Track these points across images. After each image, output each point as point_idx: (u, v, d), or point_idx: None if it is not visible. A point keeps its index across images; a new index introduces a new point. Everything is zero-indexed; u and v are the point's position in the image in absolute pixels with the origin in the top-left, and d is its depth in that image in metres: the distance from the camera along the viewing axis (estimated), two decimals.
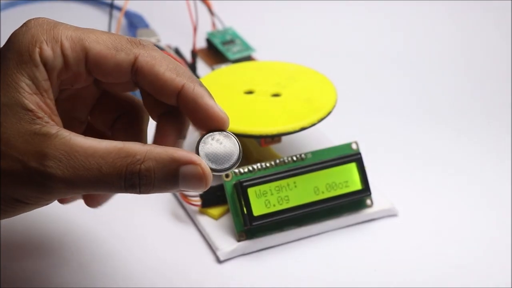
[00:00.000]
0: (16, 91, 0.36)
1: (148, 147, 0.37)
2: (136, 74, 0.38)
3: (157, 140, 0.40)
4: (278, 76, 0.53)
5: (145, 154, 0.36)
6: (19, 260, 0.46)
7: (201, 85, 0.39)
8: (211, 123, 0.38)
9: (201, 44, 0.66)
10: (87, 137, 0.36)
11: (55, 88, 0.38)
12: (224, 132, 0.38)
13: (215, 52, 0.65)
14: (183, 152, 0.37)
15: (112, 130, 0.42)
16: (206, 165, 0.37)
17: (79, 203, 0.51)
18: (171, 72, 0.38)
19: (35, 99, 0.37)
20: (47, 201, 0.38)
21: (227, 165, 0.38)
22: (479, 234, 0.50)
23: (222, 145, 0.38)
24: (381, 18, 0.77)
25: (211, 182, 0.37)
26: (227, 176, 0.47)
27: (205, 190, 0.37)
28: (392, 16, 0.77)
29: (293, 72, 0.54)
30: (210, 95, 0.39)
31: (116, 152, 0.36)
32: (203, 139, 0.38)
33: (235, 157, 0.38)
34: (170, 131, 0.40)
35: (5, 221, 0.49)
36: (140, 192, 0.37)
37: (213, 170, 0.37)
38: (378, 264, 0.47)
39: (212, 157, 0.38)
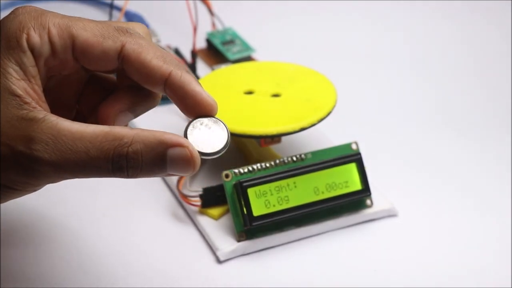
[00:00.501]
0: (4, 76, 0.36)
1: (135, 130, 0.37)
2: (123, 61, 0.38)
3: (104, 104, 0.40)
4: (278, 76, 0.53)
5: (132, 137, 0.36)
6: (18, 260, 0.46)
7: (189, 72, 0.39)
8: (199, 109, 0.38)
9: (201, 44, 0.66)
10: (74, 122, 0.37)
11: (42, 75, 0.38)
12: (213, 118, 0.38)
13: (215, 52, 0.65)
14: (171, 135, 0.37)
15: None
16: (194, 148, 0.37)
17: (79, 204, 0.51)
18: (158, 60, 0.38)
19: (22, 84, 0.37)
20: (34, 187, 0.38)
21: (216, 150, 0.38)
22: (479, 234, 0.50)
23: (210, 129, 0.38)
24: (381, 18, 0.77)
25: (199, 167, 0.37)
26: (227, 176, 0.47)
27: (193, 173, 0.37)
28: (392, 16, 0.77)
29: (293, 72, 0.54)
30: (198, 81, 0.39)
31: (103, 136, 0.36)
32: (191, 123, 0.38)
33: (223, 141, 0.38)
34: (124, 99, 0.40)
35: (5, 221, 0.49)
36: (128, 176, 0.37)
37: (201, 154, 0.37)
38: (378, 264, 0.47)
39: (201, 141, 0.38)
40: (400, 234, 0.50)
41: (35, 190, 0.38)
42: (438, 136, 0.60)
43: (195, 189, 0.49)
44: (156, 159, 0.37)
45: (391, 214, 0.51)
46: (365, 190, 0.49)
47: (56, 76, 0.40)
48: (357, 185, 0.49)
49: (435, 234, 0.50)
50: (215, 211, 0.49)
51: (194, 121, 0.38)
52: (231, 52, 0.64)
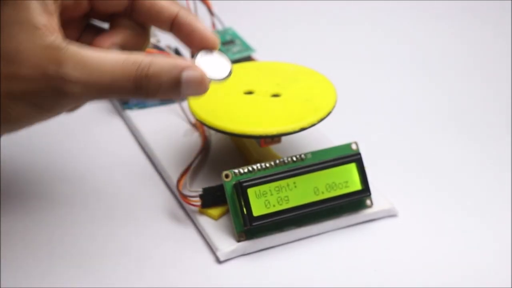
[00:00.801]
0: (27, 11, 0.40)
1: (150, 56, 0.41)
2: (134, 1, 0.44)
3: (98, 38, 0.44)
4: (278, 76, 0.53)
5: (150, 61, 0.41)
6: (19, 260, 0.46)
7: (192, 13, 0.44)
8: (205, 43, 0.44)
9: None
10: (94, 48, 0.41)
11: (58, 9, 0.42)
12: (216, 51, 0.44)
13: None
14: (183, 59, 0.42)
15: None
16: (203, 71, 0.42)
17: (79, 204, 0.51)
18: (167, 1, 0.44)
19: (44, 18, 0.40)
20: (61, 108, 0.41)
21: (222, 75, 0.43)
22: (479, 234, 0.50)
23: (216, 59, 0.43)
24: (381, 18, 0.77)
25: (208, 89, 0.42)
26: (227, 176, 0.47)
27: (203, 93, 0.42)
28: (392, 16, 0.78)
29: (293, 73, 0.54)
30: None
31: (124, 59, 0.40)
32: (199, 53, 0.43)
33: (228, 69, 0.43)
34: (117, 36, 0.45)
35: (5, 221, 0.49)
36: (147, 95, 0.41)
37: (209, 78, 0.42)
38: (378, 264, 0.47)
39: (208, 67, 0.42)
40: (400, 234, 0.50)
41: (58, 113, 0.41)
42: (438, 136, 0.60)
43: (195, 189, 0.49)
44: (172, 80, 0.41)
45: (391, 214, 0.51)
46: (365, 190, 0.49)
47: (63, 16, 0.43)
48: (357, 185, 0.49)
49: (435, 234, 0.50)
50: (215, 211, 0.49)
51: (201, 52, 0.44)
52: (231, 52, 0.64)
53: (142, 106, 0.59)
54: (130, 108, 0.59)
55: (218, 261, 0.47)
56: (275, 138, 0.50)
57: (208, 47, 0.44)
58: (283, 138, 0.52)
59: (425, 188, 0.54)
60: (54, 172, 0.54)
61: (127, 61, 0.40)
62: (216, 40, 0.44)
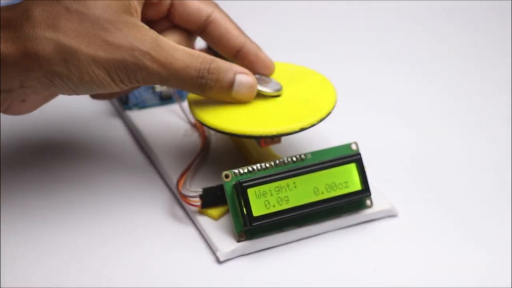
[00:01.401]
0: None
1: (211, 56, 0.47)
2: (208, 25, 0.50)
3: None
4: (278, 76, 0.53)
5: (212, 58, 0.47)
6: (19, 260, 0.46)
7: (254, 42, 0.51)
8: (265, 70, 0.51)
9: (201, 44, 0.66)
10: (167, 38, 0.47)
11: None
12: (269, 77, 0.51)
13: (215, 53, 0.65)
14: (239, 66, 0.48)
15: None
16: (255, 78, 0.49)
17: (79, 204, 0.51)
18: (237, 30, 0.50)
19: (135, 4, 0.47)
20: (132, 81, 0.46)
21: (271, 89, 0.50)
22: (480, 234, 0.50)
23: (268, 81, 0.50)
24: (381, 18, 0.77)
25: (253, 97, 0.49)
26: (226, 176, 0.47)
27: (249, 100, 0.49)
28: (392, 16, 0.78)
29: (293, 72, 0.54)
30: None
31: (192, 52, 0.46)
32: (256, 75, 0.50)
33: (278, 87, 0.50)
34: (175, 35, 0.51)
35: (5, 221, 0.49)
36: (204, 88, 0.47)
37: (260, 91, 0.50)
38: (378, 264, 0.47)
39: (261, 85, 0.50)
40: (400, 234, 0.50)
41: (126, 87, 0.46)
42: (439, 137, 0.60)
43: (194, 189, 0.49)
44: (228, 79, 0.47)
45: (391, 214, 0.51)
46: (365, 190, 0.49)
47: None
48: (357, 186, 0.49)
49: (435, 234, 0.50)
50: (215, 211, 0.49)
51: (257, 75, 0.51)
52: None
53: (142, 106, 0.59)
54: (130, 108, 0.59)
55: (218, 261, 0.47)
56: (275, 138, 0.50)
57: (264, 73, 0.51)
58: (283, 138, 0.52)
59: (425, 188, 0.54)
60: (54, 172, 0.54)
61: (194, 53, 0.46)
62: (273, 67, 0.51)
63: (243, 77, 0.48)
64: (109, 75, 0.45)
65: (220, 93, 0.48)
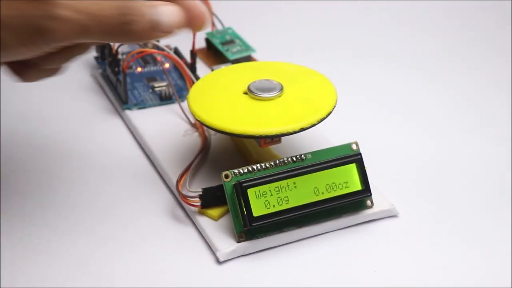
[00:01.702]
0: None
1: None
2: None
3: None
4: (278, 76, 0.53)
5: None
6: (18, 260, 0.46)
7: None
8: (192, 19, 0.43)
9: (201, 44, 0.66)
10: None
11: None
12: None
13: (215, 52, 0.65)
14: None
15: None
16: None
17: (79, 204, 0.51)
18: None
19: None
20: (46, 37, 0.40)
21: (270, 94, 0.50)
22: (480, 235, 0.50)
23: (269, 81, 0.50)
24: (381, 18, 0.77)
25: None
26: (226, 176, 0.47)
27: (178, 28, 0.42)
28: (393, 16, 0.78)
29: (293, 72, 0.54)
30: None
31: None
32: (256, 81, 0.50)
33: (279, 86, 0.50)
34: None
35: (5, 221, 0.49)
36: (128, 28, 0.41)
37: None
38: (378, 265, 0.47)
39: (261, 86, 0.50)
40: (400, 235, 0.50)
41: (42, 46, 0.41)
42: (439, 136, 0.59)
43: (194, 190, 0.49)
44: (151, 11, 0.41)
45: (391, 215, 0.51)
46: (366, 190, 0.49)
47: None
48: (357, 186, 0.49)
49: (435, 234, 0.50)
50: (215, 211, 0.49)
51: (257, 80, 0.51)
52: (231, 52, 0.64)
53: (141, 106, 0.59)
54: (129, 108, 0.59)
55: (218, 261, 0.47)
56: (275, 138, 0.50)
57: (194, 23, 0.43)
58: (283, 138, 0.51)
59: (426, 188, 0.54)
60: (54, 172, 0.54)
61: None
62: (203, 14, 0.43)
63: (165, 7, 0.42)
64: (16, 36, 0.40)
65: (147, 30, 0.42)
